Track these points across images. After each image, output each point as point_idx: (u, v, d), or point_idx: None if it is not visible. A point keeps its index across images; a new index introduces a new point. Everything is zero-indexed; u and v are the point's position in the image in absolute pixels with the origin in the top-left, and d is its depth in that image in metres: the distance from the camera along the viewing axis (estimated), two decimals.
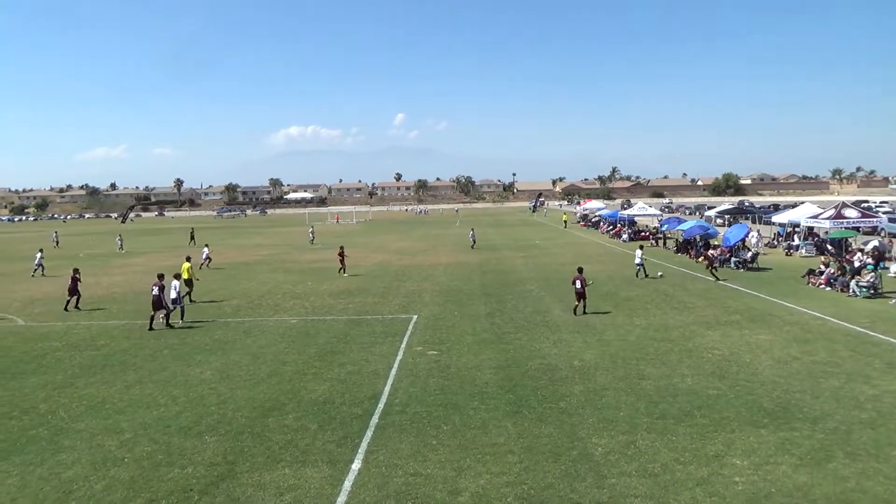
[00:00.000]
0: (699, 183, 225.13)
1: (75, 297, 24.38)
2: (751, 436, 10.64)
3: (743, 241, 34.28)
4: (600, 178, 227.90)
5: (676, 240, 43.23)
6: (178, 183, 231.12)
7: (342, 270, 32.31)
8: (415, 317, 21.22)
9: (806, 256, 35.24)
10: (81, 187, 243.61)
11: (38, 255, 37.36)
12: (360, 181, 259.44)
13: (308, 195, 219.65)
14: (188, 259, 27.86)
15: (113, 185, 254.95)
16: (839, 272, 25.10)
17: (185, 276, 24.87)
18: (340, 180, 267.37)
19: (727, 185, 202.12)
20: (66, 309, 23.99)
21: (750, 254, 31.90)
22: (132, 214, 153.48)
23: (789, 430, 10.87)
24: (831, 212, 34.40)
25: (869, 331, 17.72)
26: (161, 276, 21.08)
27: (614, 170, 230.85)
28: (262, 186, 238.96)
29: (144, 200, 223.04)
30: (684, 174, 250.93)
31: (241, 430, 11.48)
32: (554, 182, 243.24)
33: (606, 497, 8.73)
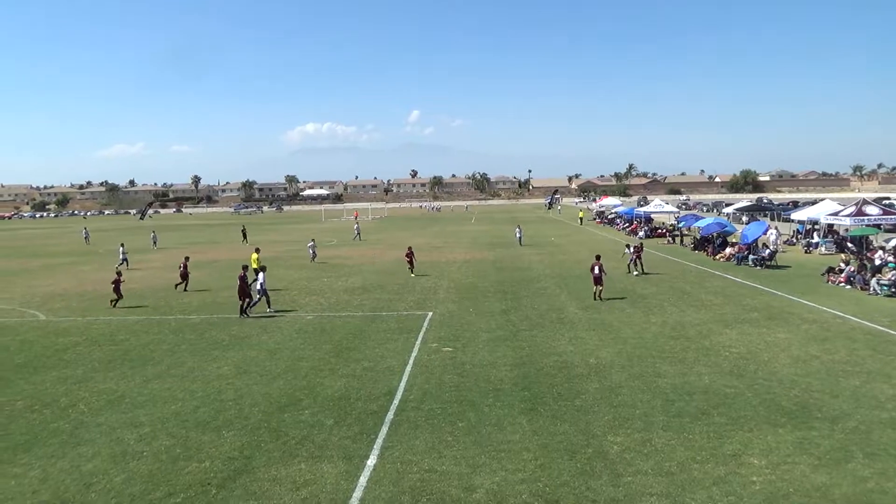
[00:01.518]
0: (717, 180, 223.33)
1: (185, 283, 27.71)
2: (769, 435, 10.54)
3: (759, 238, 33.90)
4: (616, 175, 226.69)
5: (694, 237, 42.91)
6: (196, 180, 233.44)
7: (411, 271, 30.50)
8: (430, 313, 21.26)
9: (825, 254, 34.80)
10: (101, 184, 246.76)
11: (121, 248, 40.27)
12: (375, 178, 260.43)
13: (324, 192, 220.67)
14: (257, 250, 29.87)
15: (132, 182, 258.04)
16: (859, 270, 24.75)
17: (254, 265, 27.28)
18: (356, 177, 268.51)
19: (745, 182, 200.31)
20: (177, 288, 27.59)
21: (768, 251, 31.56)
22: (150, 211, 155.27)
23: (808, 429, 10.76)
24: (852, 209, 33.91)
25: (890, 329, 17.46)
26: (245, 268, 22.67)
27: (631, 167, 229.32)
28: (278, 183, 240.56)
29: (163, 197, 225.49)
30: (702, 171, 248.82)
31: (257, 425, 11.58)
32: (570, 179, 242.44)
33: (622, 495, 8.69)
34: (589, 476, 9.27)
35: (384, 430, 11.19)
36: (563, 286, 26.20)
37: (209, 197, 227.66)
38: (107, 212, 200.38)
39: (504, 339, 17.51)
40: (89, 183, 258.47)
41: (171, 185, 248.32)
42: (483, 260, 37.20)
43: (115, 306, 23.89)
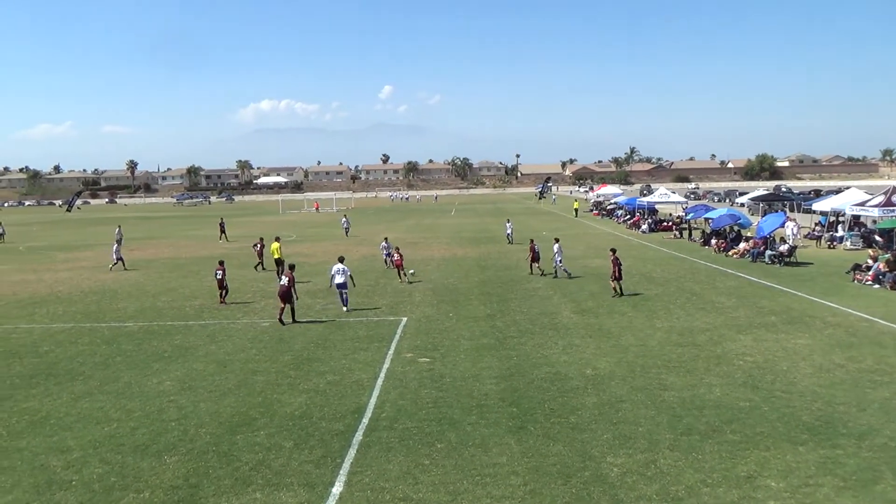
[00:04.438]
0: (730, 166, 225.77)
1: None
2: (788, 454, 10.70)
3: (777, 232, 34.38)
4: (616, 161, 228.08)
5: (703, 231, 43.30)
6: (132, 165, 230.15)
7: (401, 276, 29.15)
8: (404, 319, 21.24)
9: (851, 249, 35.36)
10: (21, 170, 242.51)
11: (118, 230, 45.43)
12: (341, 163, 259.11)
13: (282, 179, 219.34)
14: (277, 239, 31.01)
15: (57, 168, 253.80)
16: (890, 267, 25.21)
17: (275, 255, 28.97)
18: (319, 162, 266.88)
19: (762, 168, 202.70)
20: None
21: (787, 246, 31.99)
22: (79, 201, 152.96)
23: (831, 447, 10.94)
24: (880, 198, 34.50)
25: None
26: (292, 267, 22.10)
27: (632, 150, 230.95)
28: (228, 170, 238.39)
29: (93, 185, 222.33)
30: (713, 156, 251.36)
31: (205, 448, 11.49)
32: (563, 164, 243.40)
33: None
34: (586, 503, 9.33)
35: (352, 452, 11.16)
36: (556, 287, 26.33)
37: (147, 185, 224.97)
38: (27, 202, 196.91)
39: (489, 347, 17.55)
40: (6, 169, 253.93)
41: (104, 172, 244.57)
42: (465, 257, 37.24)
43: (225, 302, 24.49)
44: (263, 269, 32.75)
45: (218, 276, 24.65)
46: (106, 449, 11.57)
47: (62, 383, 15.38)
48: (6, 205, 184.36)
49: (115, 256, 35.30)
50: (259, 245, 33.94)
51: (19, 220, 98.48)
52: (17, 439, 12.12)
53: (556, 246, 28.59)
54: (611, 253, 24.90)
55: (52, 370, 16.48)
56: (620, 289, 24.15)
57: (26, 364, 17.11)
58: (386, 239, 33.96)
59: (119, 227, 49.61)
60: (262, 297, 25.86)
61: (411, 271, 28.45)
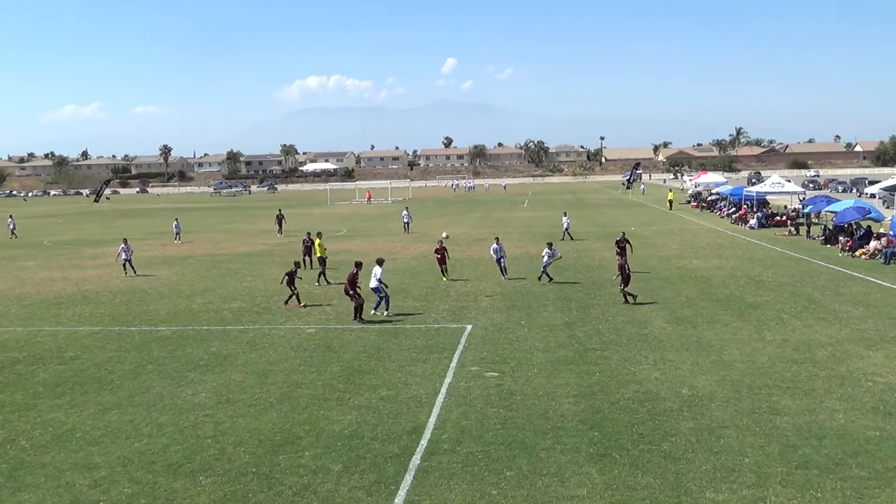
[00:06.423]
0: (858, 149, 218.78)
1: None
2: None
3: None
4: (719, 144, 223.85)
5: (825, 227, 42.12)
6: (166, 151, 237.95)
7: (444, 274, 30.04)
8: (468, 327, 21.32)
9: None
10: (46, 156, 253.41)
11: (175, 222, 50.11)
12: (397, 148, 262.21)
13: (330, 166, 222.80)
14: (319, 234, 32.18)
15: (84, 154, 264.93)
16: None
17: (318, 253, 30.26)
18: (372, 146, 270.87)
19: None
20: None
21: None
22: (108, 191, 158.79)
23: None
24: None
25: None
26: (359, 265, 23.12)
27: (739, 131, 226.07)
28: (271, 155, 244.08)
29: (123, 173, 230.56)
30: (837, 137, 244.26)
31: (244, 469, 11.76)
32: (656, 148, 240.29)
33: None
34: None
35: (408, 478, 11.24)
36: (647, 292, 25.95)
37: (182, 173, 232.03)
38: (53, 192, 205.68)
39: (567, 361, 17.46)
40: (31, 155, 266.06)
41: (134, 158, 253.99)
42: (538, 256, 37.04)
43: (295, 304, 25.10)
44: (305, 268, 33.09)
45: (289, 276, 25.03)
46: (135, 467, 11.96)
47: (89, 393, 16.00)
48: (30, 195, 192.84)
49: (122, 259, 33.84)
50: (307, 241, 33.96)
51: (43, 211, 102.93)
52: (41, 453, 12.65)
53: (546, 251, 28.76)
54: (617, 248, 24.71)
55: (79, 378, 17.16)
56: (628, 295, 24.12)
57: (51, 371, 17.87)
58: (497, 239, 31.13)
59: (176, 219, 53.15)
60: (307, 299, 26.28)
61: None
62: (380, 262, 23.46)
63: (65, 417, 14.47)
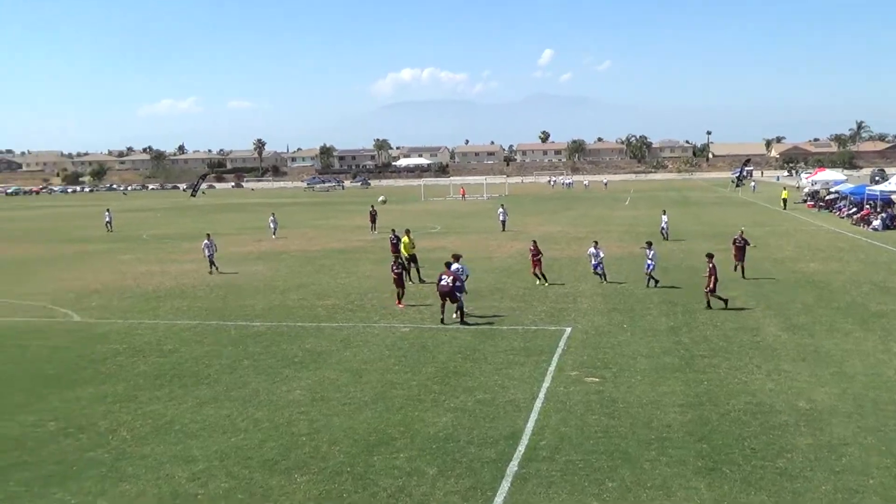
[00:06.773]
0: None
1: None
2: None
3: None
4: (838, 138, 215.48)
5: None
6: (260, 145, 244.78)
7: (539, 280, 29.30)
8: (568, 329, 21.19)
9: None
10: (144, 150, 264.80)
11: (272, 217, 51.84)
12: (492, 142, 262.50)
13: (424, 161, 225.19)
14: (408, 232, 31.73)
15: (181, 148, 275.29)
16: None
17: (405, 252, 30.04)
18: (466, 141, 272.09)
19: None
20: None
21: None
22: (204, 185, 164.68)
23: None
24: None
25: None
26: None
27: (860, 126, 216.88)
28: (364, 150, 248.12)
29: (218, 167, 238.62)
30: None
31: (338, 469, 12.02)
32: (768, 143, 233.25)
33: None
34: None
35: (505, 485, 11.27)
36: (759, 297, 25.23)
37: (276, 168, 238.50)
38: (151, 186, 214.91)
39: (672, 368, 17.20)
40: (130, 149, 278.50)
41: (229, 152, 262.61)
42: (643, 256, 36.43)
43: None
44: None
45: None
46: (232, 462, 12.39)
47: (187, 386, 16.66)
48: (129, 189, 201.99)
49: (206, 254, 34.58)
50: (393, 238, 33.97)
51: (142, 205, 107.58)
52: (141, 445, 13.26)
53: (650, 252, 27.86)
54: (707, 259, 23.66)
55: (177, 371, 17.89)
56: (710, 302, 23.57)
57: (150, 363, 18.69)
58: (596, 244, 29.71)
59: (273, 214, 54.21)
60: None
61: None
62: (456, 258, 23.90)
63: (164, 410, 15.11)
